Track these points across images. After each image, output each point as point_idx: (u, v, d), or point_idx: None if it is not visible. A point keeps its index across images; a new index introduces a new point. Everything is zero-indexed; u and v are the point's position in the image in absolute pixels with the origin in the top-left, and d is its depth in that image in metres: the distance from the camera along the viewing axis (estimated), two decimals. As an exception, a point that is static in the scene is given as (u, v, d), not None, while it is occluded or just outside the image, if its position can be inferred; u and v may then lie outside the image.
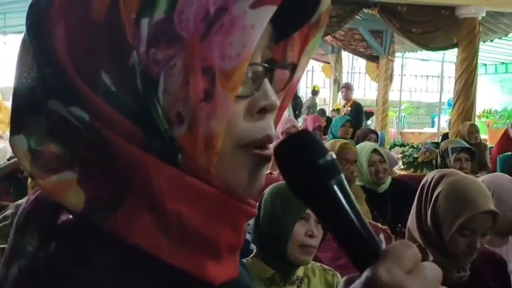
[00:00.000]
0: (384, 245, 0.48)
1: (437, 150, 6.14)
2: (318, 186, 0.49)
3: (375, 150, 3.32)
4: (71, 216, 0.50)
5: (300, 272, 1.74)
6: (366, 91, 13.67)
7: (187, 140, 0.46)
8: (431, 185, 1.78)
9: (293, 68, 0.58)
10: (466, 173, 3.27)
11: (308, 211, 1.65)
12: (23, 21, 0.51)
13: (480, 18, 7.45)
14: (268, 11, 0.45)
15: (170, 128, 0.46)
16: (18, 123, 0.50)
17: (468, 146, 3.66)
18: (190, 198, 0.47)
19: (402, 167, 6.57)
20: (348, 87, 9.34)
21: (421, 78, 14.97)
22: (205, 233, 0.48)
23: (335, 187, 0.49)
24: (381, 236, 1.56)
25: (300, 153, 0.50)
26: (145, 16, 0.45)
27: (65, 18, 0.47)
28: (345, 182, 0.50)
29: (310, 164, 0.49)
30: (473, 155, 3.64)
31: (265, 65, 0.52)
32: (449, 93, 11.97)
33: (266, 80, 0.51)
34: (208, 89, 0.45)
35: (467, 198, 1.67)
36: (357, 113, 8.44)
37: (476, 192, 1.68)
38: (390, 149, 6.48)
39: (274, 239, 1.66)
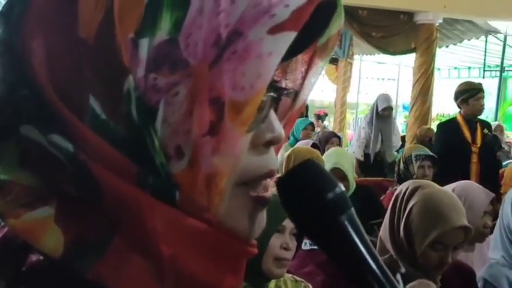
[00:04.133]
0: (401, 286, 0.46)
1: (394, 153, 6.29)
2: (327, 223, 0.46)
3: (334, 169, 3.16)
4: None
5: (272, 284, 1.71)
6: (323, 93, 13.80)
7: (187, 177, 0.40)
8: (405, 196, 1.78)
9: (294, 95, 0.53)
10: (428, 179, 3.35)
11: (284, 223, 1.62)
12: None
13: (437, 24, 7.65)
14: (289, 37, 0.40)
15: (167, 162, 0.40)
16: None
17: (431, 153, 3.73)
18: (190, 242, 0.41)
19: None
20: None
21: (377, 81, 15.25)
22: (205, 282, 0.43)
23: (346, 223, 0.46)
24: (398, 276, 1.55)
25: (307, 187, 0.46)
26: (145, 36, 0.39)
27: (45, 31, 0.41)
28: (356, 216, 0.47)
29: (319, 199, 0.46)
30: (436, 162, 3.71)
31: (273, 94, 0.47)
32: (404, 96, 12.24)
33: (272, 111, 0.47)
34: (214, 121, 0.39)
35: (440, 213, 1.68)
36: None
37: (450, 207, 1.69)
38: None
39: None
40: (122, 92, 0.39)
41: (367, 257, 0.46)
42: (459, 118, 4.46)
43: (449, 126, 4.63)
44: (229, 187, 0.43)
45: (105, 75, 0.40)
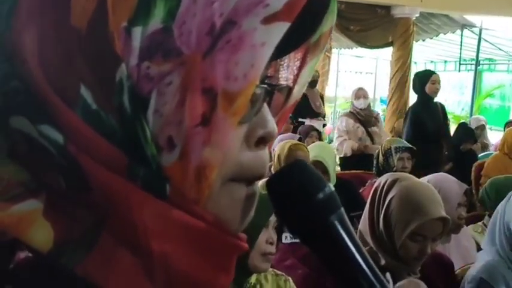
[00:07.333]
0: (390, 285, 0.46)
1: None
2: (318, 224, 0.45)
3: (315, 162, 3.14)
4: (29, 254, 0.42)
5: (252, 278, 1.71)
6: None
7: (178, 169, 0.39)
8: (384, 189, 1.80)
9: (288, 92, 0.53)
10: (407, 171, 3.38)
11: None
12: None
13: (414, 18, 7.72)
14: (282, 28, 0.40)
15: (159, 154, 0.39)
16: None
17: (410, 145, 3.77)
18: (180, 237, 0.41)
19: (339, 162, 6.73)
20: None
21: (355, 75, 15.35)
22: (196, 278, 0.42)
23: (336, 223, 0.46)
24: (387, 275, 1.55)
25: (296, 187, 0.46)
26: (138, 25, 0.38)
27: (36, 20, 0.40)
28: (345, 216, 0.47)
29: (308, 200, 0.45)
30: (415, 153, 3.76)
31: (266, 86, 0.46)
32: (382, 89, 12.35)
33: (265, 105, 0.46)
34: (207, 112, 0.39)
35: (419, 205, 1.69)
36: None
37: (428, 198, 1.71)
38: (328, 144, 6.58)
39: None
40: (114, 81, 0.38)
41: (358, 257, 0.46)
42: None
43: None
44: (219, 180, 0.42)
45: (97, 65, 0.39)
